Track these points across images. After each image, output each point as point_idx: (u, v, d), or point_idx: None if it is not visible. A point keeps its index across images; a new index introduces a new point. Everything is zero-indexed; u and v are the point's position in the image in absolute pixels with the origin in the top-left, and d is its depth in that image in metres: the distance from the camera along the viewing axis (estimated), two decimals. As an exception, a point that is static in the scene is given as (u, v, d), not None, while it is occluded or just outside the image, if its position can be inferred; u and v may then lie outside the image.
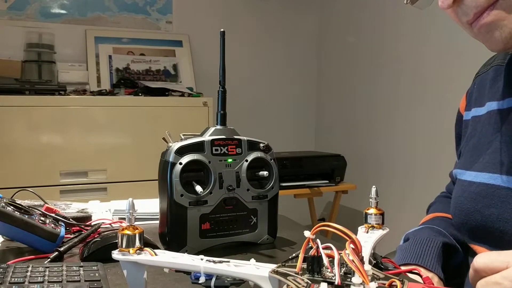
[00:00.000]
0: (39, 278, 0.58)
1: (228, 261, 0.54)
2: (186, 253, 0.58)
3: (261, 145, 0.84)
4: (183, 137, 0.82)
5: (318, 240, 0.48)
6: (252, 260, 0.54)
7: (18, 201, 0.83)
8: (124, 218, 0.62)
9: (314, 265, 0.47)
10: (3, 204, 0.77)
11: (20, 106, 2.03)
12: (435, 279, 0.78)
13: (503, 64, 0.78)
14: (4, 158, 1.99)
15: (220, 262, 0.54)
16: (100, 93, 2.32)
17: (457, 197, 0.80)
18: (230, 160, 0.81)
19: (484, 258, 0.55)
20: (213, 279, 0.57)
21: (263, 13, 2.98)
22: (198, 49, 2.75)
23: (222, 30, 0.82)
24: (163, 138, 0.81)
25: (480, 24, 0.64)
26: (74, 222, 0.89)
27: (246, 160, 0.82)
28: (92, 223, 0.92)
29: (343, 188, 2.47)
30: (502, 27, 0.63)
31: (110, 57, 2.54)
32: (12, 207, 0.78)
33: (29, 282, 0.57)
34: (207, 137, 0.80)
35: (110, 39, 2.58)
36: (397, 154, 2.52)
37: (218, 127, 0.83)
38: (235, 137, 0.83)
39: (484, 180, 0.74)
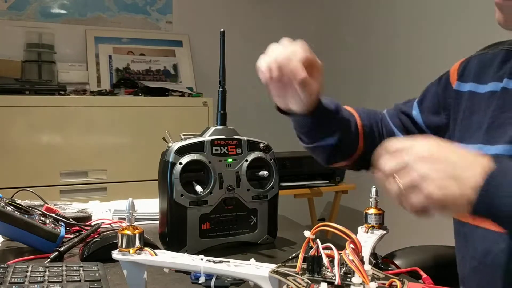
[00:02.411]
0: (39, 278, 0.58)
1: (228, 261, 0.54)
2: (186, 253, 0.58)
3: (261, 145, 0.84)
4: (183, 137, 0.82)
5: (318, 240, 0.48)
6: (252, 260, 0.54)
7: (18, 201, 0.84)
8: (124, 218, 0.62)
9: (314, 265, 0.47)
10: (3, 204, 0.77)
11: (20, 106, 2.03)
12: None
13: None
14: (4, 158, 1.99)
15: (220, 262, 0.54)
16: (100, 93, 2.31)
17: None
18: (230, 160, 0.81)
19: (393, 140, 0.64)
20: (213, 279, 0.57)
21: (263, 13, 2.98)
22: (198, 49, 2.75)
23: (222, 30, 0.82)
24: (163, 138, 0.81)
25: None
26: (74, 222, 0.90)
27: (246, 160, 0.82)
28: (92, 223, 0.92)
29: (343, 188, 2.47)
30: None
31: (110, 57, 2.53)
32: (12, 207, 0.78)
33: (29, 282, 0.57)
34: (207, 137, 0.80)
35: (110, 39, 2.58)
36: (397, 154, 2.52)
37: (218, 127, 0.83)
38: (235, 137, 0.83)
39: (497, 151, 0.74)
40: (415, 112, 0.94)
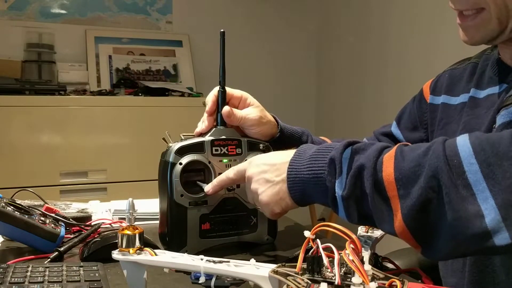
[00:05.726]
0: (39, 278, 0.58)
1: (228, 261, 0.54)
2: (186, 253, 0.58)
3: (261, 145, 0.84)
4: (183, 137, 0.82)
5: (318, 240, 0.48)
6: (252, 260, 0.54)
7: (18, 201, 0.83)
8: (124, 218, 0.62)
9: (314, 265, 0.47)
10: (3, 204, 0.77)
11: (20, 106, 2.03)
12: None
13: (478, 62, 0.87)
14: (4, 158, 1.99)
15: (220, 262, 0.54)
16: (100, 93, 2.31)
17: None
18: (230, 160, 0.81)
19: (233, 169, 0.75)
20: (213, 279, 0.57)
21: (263, 13, 2.98)
22: (198, 49, 2.75)
23: (222, 30, 0.82)
24: (163, 139, 0.81)
25: (470, 22, 0.73)
26: (74, 222, 0.89)
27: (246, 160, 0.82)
28: (92, 223, 0.92)
29: (343, 188, 2.47)
30: (486, 29, 0.72)
31: (110, 57, 2.53)
32: (12, 207, 0.78)
33: (29, 282, 0.57)
34: (207, 137, 0.80)
35: (110, 39, 2.58)
36: (397, 154, 2.51)
37: (218, 127, 0.83)
38: (235, 137, 0.83)
39: None
40: (395, 130, 0.99)
